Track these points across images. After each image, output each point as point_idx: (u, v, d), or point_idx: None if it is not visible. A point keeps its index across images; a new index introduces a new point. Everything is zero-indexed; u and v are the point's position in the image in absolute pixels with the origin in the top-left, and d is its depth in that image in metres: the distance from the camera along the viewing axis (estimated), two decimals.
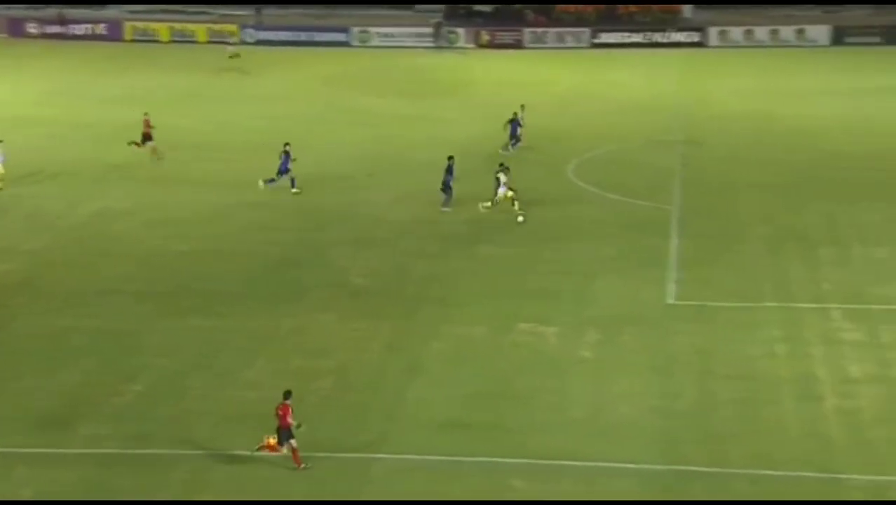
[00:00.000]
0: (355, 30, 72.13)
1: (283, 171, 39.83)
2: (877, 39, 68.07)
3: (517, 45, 70.79)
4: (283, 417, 22.48)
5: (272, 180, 39.94)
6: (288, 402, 22.70)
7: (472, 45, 70.97)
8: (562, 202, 39.36)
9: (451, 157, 38.70)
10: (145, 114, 44.79)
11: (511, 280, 32.21)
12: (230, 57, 63.21)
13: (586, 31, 70.63)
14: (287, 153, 39.88)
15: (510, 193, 36.79)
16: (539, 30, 71.26)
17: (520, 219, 36.41)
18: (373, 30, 72.07)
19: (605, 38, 70.21)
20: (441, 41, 70.92)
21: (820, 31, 68.77)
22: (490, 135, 48.42)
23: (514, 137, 44.96)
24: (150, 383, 26.42)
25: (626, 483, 22.07)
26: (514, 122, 45.02)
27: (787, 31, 69.10)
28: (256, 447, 22.77)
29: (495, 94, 57.90)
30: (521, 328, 28.98)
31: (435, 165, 45.25)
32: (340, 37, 71.94)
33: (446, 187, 38.22)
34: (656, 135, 48.27)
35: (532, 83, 60.34)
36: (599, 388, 25.81)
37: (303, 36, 71.56)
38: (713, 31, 69.47)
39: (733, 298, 30.32)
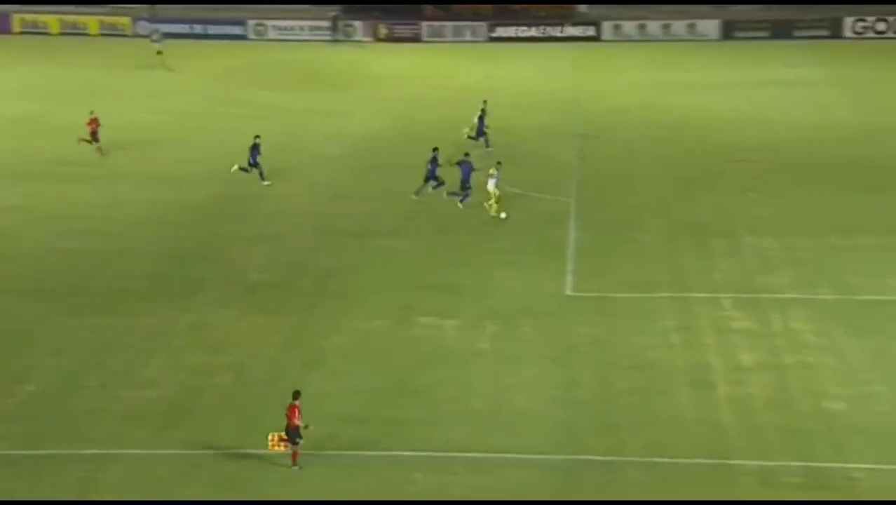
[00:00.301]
0: (251, 23, 71.32)
1: (253, 163, 39.82)
2: (765, 34, 69.62)
3: (415, 38, 70.78)
4: (290, 418, 22.22)
5: (244, 170, 39.83)
6: (297, 402, 22.39)
7: (369, 39, 70.75)
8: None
9: (435, 149, 38.51)
10: (91, 112, 44.03)
11: (411, 273, 32.22)
12: (157, 53, 62.12)
13: (483, 25, 70.94)
14: (256, 145, 39.76)
15: (496, 192, 36.52)
16: (437, 23, 71.36)
17: (503, 215, 36.23)
18: (269, 23, 71.36)
19: (502, 32, 70.63)
20: (338, 35, 70.58)
21: (710, 26, 70.09)
22: (390, 127, 48.33)
23: (483, 134, 44.55)
24: (42, 383, 25.81)
25: (527, 473, 22.24)
26: (482, 118, 44.80)
27: (678, 26, 70.28)
28: (270, 446, 22.35)
29: (394, 87, 57.85)
30: (421, 321, 29.01)
31: (334, 159, 44.89)
32: (236, 30, 71.07)
33: (431, 178, 37.83)
34: (554, 128, 48.68)
35: (431, 77, 60.39)
36: (499, 379, 25.97)
37: (198, 29, 70.49)
38: (607, 26, 70.36)
39: (630, 289, 30.76)
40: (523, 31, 70.50)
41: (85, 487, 21.86)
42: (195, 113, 51.61)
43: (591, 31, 70.26)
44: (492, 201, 36.61)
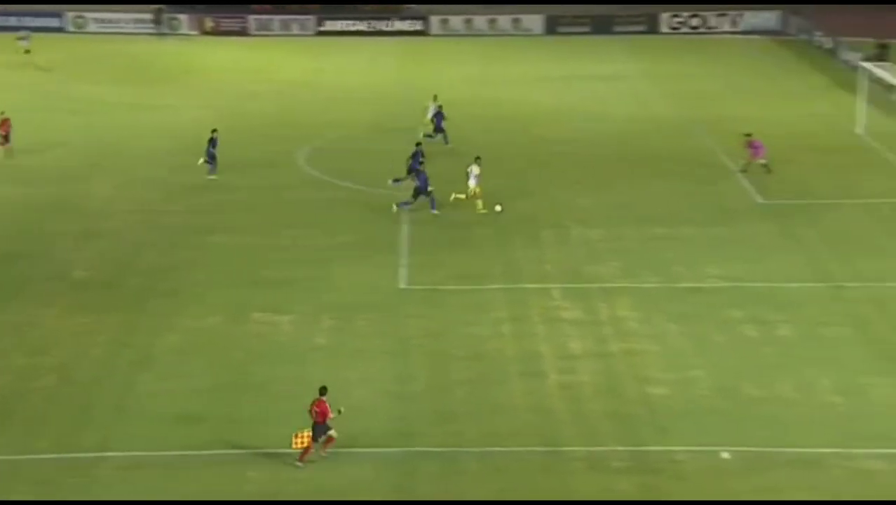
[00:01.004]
0: (70, 15, 69.02)
1: (210, 156, 39.52)
2: (586, 29, 71.47)
3: (242, 32, 69.81)
4: (320, 414, 21.80)
5: (208, 162, 39.43)
6: (324, 397, 21.98)
7: (195, 32, 69.39)
8: (294, 190, 39.17)
9: (419, 144, 37.81)
10: (1, 112, 42.40)
11: (244, 269, 31.78)
12: (25, 52, 59.49)
13: (311, 18, 70.52)
14: (213, 139, 39.39)
15: (477, 189, 35.91)
16: (264, 17, 70.53)
17: (497, 208, 35.94)
18: (89, 15, 69.18)
19: (330, 26, 70.37)
20: (163, 28, 68.96)
21: (534, 21, 71.48)
22: (218, 121, 47.65)
23: (441, 130, 43.85)
24: None
25: (364, 468, 22.22)
26: (439, 115, 44.00)
27: (504, 21, 71.42)
28: (298, 458, 21.88)
29: (221, 81, 56.97)
30: (256, 318, 28.66)
31: (162, 154, 43.90)
32: (54, 22, 68.63)
33: (412, 171, 36.89)
34: (384, 122, 48.76)
35: (259, 71, 59.68)
36: (336, 374, 25.85)
37: (12, 20, 67.71)
38: (435, 20, 70.91)
39: (463, 281, 31.03)
40: (352, 25, 70.38)
41: None
42: (12, 108, 49.60)
43: (418, 26, 70.67)
44: (477, 199, 36.02)
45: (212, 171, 39.61)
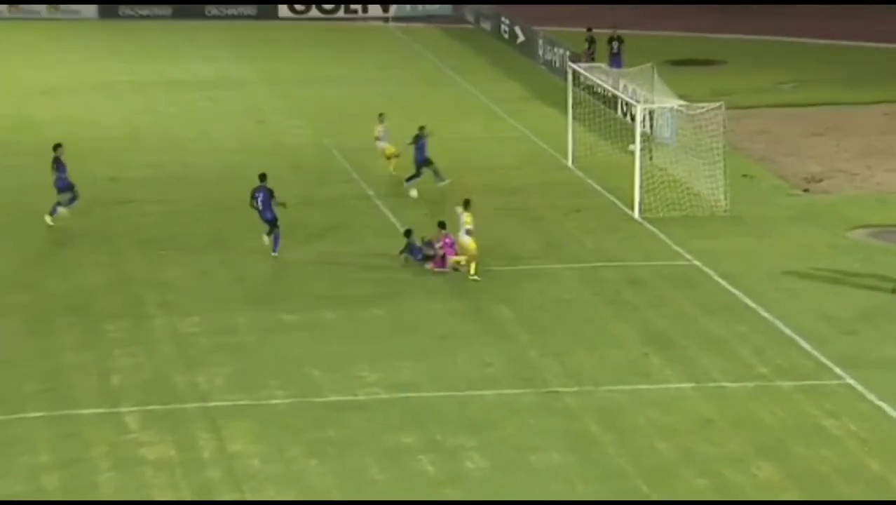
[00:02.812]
0: None
1: (62, 186, 41.76)
2: (166, 12, 72.29)
3: None
4: None
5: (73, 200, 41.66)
6: None
7: None
8: None
9: (263, 176, 39.16)
10: None
11: None
12: None
13: None
14: (57, 159, 41.61)
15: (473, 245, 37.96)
16: None
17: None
18: None
19: None
20: None
21: None
22: None
23: (428, 162, 45.13)
24: None
25: None
26: (421, 142, 45.20)
27: None
28: None
29: None
30: None
31: None
32: None
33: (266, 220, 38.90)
34: None
35: None
36: None
37: None
38: None
39: None
40: None
41: None
42: None
43: None
44: (472, 261, 37.86)
45: (60, 210, 41.49)
